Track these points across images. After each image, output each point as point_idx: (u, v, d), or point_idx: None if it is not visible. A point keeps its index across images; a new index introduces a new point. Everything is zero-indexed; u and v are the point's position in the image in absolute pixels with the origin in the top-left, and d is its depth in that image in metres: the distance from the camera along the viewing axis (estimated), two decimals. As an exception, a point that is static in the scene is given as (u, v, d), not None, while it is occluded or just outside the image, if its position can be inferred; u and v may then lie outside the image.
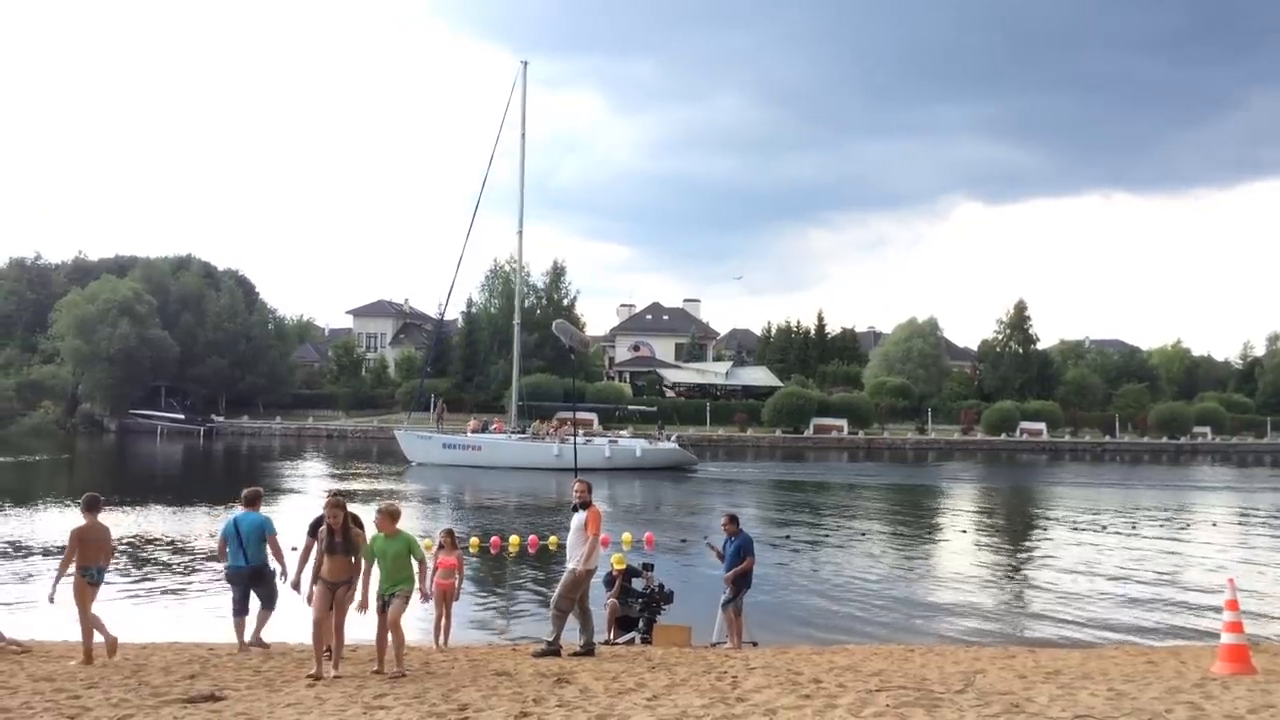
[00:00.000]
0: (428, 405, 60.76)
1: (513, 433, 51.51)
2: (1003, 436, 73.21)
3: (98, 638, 10.90)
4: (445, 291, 66.83)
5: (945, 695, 8.24)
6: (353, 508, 10.41)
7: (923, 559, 24.62)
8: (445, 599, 12.64)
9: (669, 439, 52.17)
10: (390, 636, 9.84)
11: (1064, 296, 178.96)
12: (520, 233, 53.16)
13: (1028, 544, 27.67)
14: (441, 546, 12.99)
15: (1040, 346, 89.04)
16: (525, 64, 52.47)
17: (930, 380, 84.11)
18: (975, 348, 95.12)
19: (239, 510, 12.27)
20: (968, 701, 7.94)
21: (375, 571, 9.96)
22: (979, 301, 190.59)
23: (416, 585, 10.24)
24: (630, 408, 61.46)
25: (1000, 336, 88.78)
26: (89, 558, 10.90)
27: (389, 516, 10.21)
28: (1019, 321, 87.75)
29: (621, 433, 54.70)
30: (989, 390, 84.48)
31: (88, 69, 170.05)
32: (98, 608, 10.98)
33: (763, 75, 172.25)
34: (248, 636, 11.83)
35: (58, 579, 10.87)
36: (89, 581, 10.92)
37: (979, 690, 8.56)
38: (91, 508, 11.15)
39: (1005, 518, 34.52)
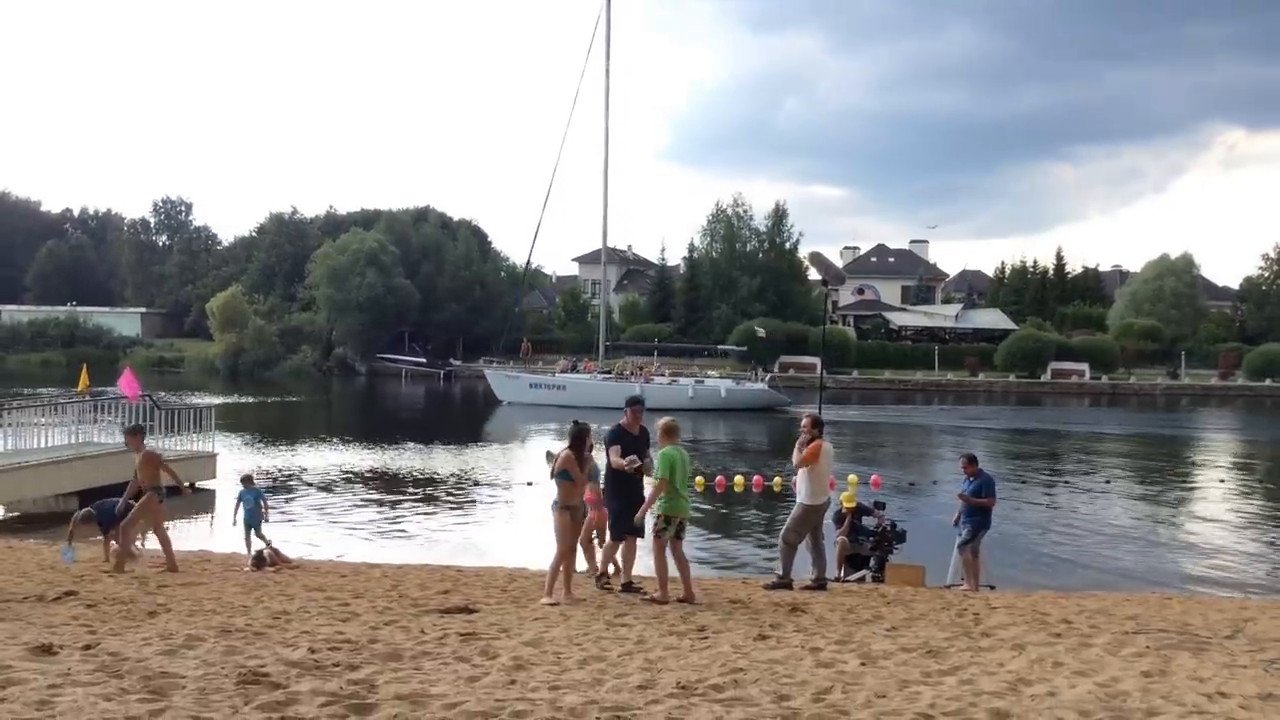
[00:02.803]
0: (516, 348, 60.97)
1: (600, 373, 51.83)
2: (1267, 382, 67.15)
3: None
4: (530, 238, 66.03)
5: (1212, 640, 7.69)
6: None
7: (1174, 509, 23.05)
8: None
9: (762, 380, 50.76)
10: (679, 563, 9.94)
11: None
12: (605, 172, 51.92)
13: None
14: None
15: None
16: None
17: (1184, 321, 78.13)
18: (1237, 286, 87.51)
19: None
20: (1239, 646, 7.38)
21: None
22: (1242, 237, 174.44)
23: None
24: (720, 348, 60.89)
25: (1267, 274, 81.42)
26: (160, 478, 12.07)
27: (669, 432, 10.10)
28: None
29: (710, 373, 54.22)
30: (1252, 332, 77.69)
31: (330, 41, 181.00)
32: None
33: (996, 1, 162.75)
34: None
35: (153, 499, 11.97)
36: (161, 499, 12.02)
37: (1250, 637, 7.93)
38: (140, 433, 12.61)
39: (1271, 469, 31.79)
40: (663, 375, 52.30)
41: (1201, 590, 14.43)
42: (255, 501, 14.63)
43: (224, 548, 14.90)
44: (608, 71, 51.08)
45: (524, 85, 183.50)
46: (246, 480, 15.33)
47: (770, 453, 33.04)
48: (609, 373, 51.98)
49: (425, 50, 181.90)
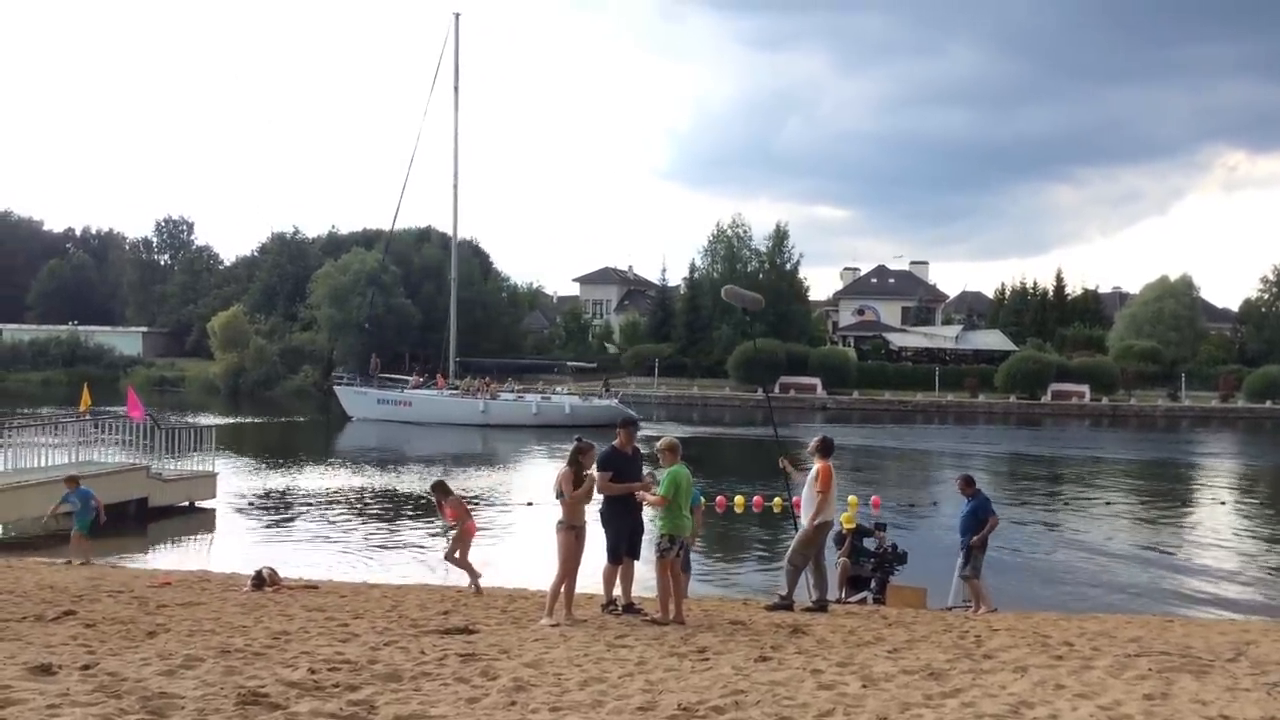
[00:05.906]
0: (367, 362, 59.21)
1: (447, 389, 51.54)
2: (1268, 404, 67.12)
3: None
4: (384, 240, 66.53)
5: (1214, 662, 7.66)
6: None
7: (1175, 532, 23.00)
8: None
9: (613, 397, 50.69)
10: (674, 583, 9.82)
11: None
12: (455, 187, 53.72)
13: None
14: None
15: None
16: (457, 15, 52.36)
17: (1184, 343, 78.16)
18: (1236, 308, 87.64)
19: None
20: (1241, 669, 7.36)
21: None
22: (1242, 259, 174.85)
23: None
24: (570, 364, 61.81)
25: (1266, 295, 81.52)
26: None
27: (673, 450, 10.02)
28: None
29: (558, 389, 54.21)
30: (1252, 354, 77.73)
31: (334, 62, 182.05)
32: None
33: (1001, 22, 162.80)
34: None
35: None
36: None
37: (1252, 660, 7.91)
38: None
39: (1271, 493, 31.74)
40: (510, 392, 52.16)
41: (1203, 613, 14.40)
42: (84, 503, 14.53)
43: (223, 568, 14.88)
44: (456, 88, 53.37)
45: (525, 107, 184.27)
46: (71, 481, 15.14)
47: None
48: (456, 389, 51.71)
49: (429, 72, 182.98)
